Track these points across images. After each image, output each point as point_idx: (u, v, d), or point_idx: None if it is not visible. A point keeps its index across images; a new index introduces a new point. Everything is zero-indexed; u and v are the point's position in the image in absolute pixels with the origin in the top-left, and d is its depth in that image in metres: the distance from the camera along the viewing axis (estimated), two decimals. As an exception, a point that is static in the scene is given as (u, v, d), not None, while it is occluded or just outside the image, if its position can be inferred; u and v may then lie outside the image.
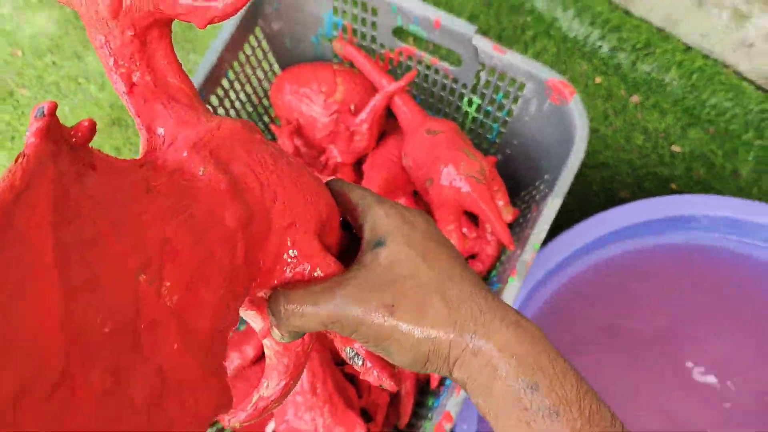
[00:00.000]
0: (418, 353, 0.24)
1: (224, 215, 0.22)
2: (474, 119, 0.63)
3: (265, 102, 0.66)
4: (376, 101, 0.58)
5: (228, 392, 0.21)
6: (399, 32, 0.58)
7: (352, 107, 0.61)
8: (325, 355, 0.50)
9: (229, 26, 0.55)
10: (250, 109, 0.65)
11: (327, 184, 0.29)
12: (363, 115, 0.59)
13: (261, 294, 0.26)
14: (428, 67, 0.60)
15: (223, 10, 0.21)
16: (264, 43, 0.61)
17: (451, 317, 0.24)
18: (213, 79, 0.55)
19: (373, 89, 0.61)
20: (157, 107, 0.23)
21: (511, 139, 0.61)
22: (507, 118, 0.59)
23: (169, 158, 0.22)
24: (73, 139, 0.19)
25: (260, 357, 0.57)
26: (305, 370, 0.47)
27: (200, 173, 0.22)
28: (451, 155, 0.53)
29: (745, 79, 0.77)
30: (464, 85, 0.59)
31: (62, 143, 0.19)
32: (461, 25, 0.53)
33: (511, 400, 0.23)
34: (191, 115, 0.23)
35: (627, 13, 0.80)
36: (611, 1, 0.80)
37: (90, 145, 0.20)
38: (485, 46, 0.53)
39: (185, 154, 0.22)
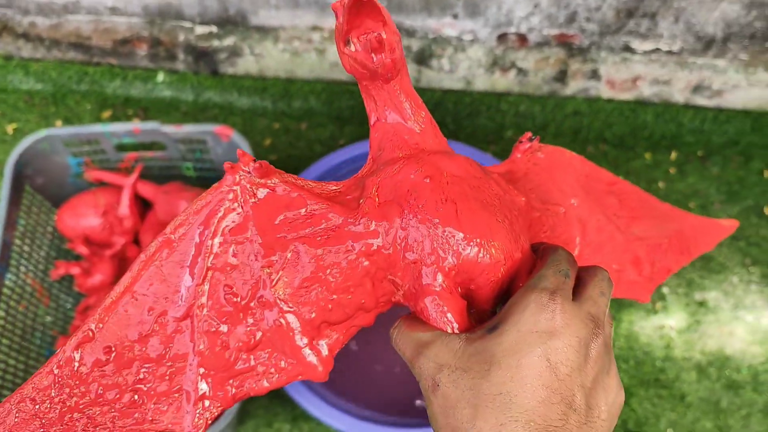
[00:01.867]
0: None
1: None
2: (198, 177, 0.95)
3: (56, 233, 0.92)
4: (125, 193, 0.88)
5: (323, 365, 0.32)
6: (120, 147, 0.89)
7: (114, 206, 0.90)
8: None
9: (5, 194, 0.82)
10: (48, 241, 0.90)
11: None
12: (122, 205, 0.88)
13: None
14: (150, 159, 0.92)
15: None
16: (37, 195, 0.89)
17: None
18: (11, 223, 0.81)
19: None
20: None
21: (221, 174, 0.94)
22: (212, 166, 0.92)
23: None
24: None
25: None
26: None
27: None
28: (180, 196, 0.84)
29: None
30: (177, 158, 0.91)
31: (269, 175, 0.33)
32: (150, 125, 0.85)
33: None
34: None
35: (278, 81, 1.19)
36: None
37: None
38: (169, 129, 0.85)
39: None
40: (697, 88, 1.02)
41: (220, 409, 0.32)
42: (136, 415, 0.31)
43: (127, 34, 1.04)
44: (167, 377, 0.32)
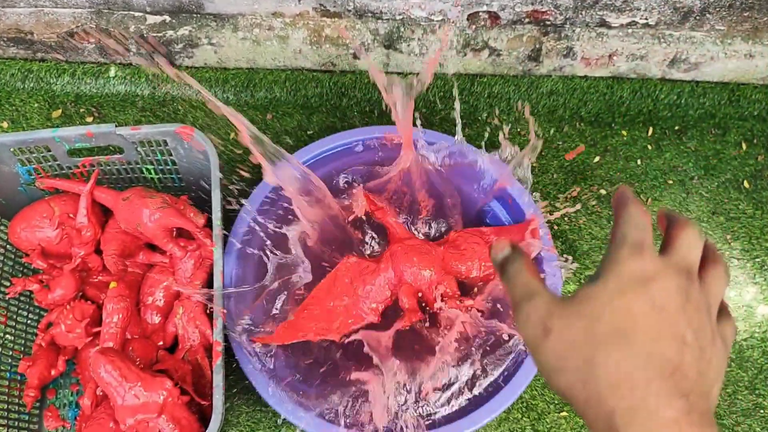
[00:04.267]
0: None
1: None
2: (160, 179, 0.89)
3: (9, 247, 0.86)
4: (82, 201, 0.82)
5: None
6: (73, 152, 0.83)
7: (71, 215, 0.84)
8: (123, 355, 0.71)
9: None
10: (0, 255, 0.84)
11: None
12: (79, 214, 0.82)
13: None
14: (107, 164, 0.86)
15: None
16: (-16, 209, 0.82)
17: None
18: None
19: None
20: None
21: (188, 177, 0.88)
22: (174, 167, 0.87)
23: None
24: None
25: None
26: (114, 370, 0.68)
27: None
28: (141, 203, 0.79)
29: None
30: (136, 162, 0.86)
31: None
32: (104, 127, 0.79)
33: None
34: None
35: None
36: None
37: None
38: (124, 131, 0.79)
39: None
40: (674, 62, 0.99)
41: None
42: None
43: (72, 27, 0.97)
44: None
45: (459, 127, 0.82)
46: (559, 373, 0.29)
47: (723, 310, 0.31)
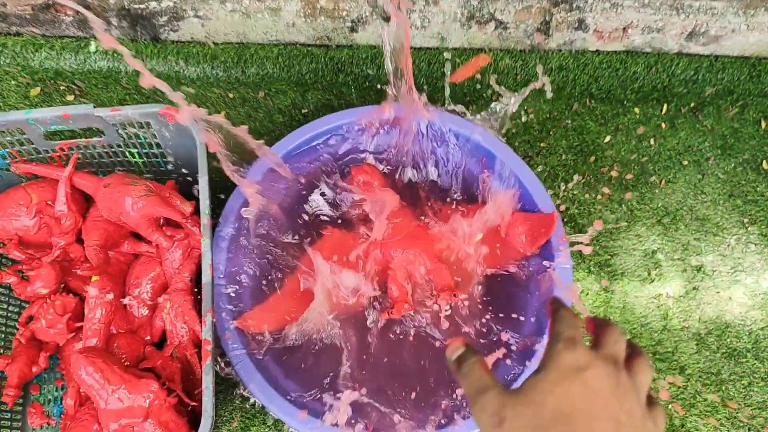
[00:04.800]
0: None
1: None
2: (145, 163, 0.84)
3: (-14, 237, 0.81)
4: (61, 188, 0.77)
5: None
6: (50, 135, 0.77)
7: (50, 203, 0.78)
8: (107, 355, 0.67)
9: None
10: (-24, 248, 0.79)
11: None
12: (58, 202, 0.77)
13: None
14: (87, 147, 0.80)
15: None
16: (-44, 196, 0.77)
17: None
18: None
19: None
20: None
21: (176, 159, 0.83)
22: (160, 150, 0.81)
23: None
24: None
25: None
26: (96, 372, 0.64)
27: None
28: (123, 190, 0.73)
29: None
30: (119, 145, 0.80)
31: None
32: (81, 108, 0.73)
33: None
34: None
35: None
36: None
37: None
38: (103, 112, 0.74)
39: None
40: (692, 35, 0.93)
41: None
42: None
43: (48, -2, 0.90)
44: None
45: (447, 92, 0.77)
46: None
47: (652, 398, 0.35)
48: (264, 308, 0.76)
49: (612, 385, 0.32)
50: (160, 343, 0.78)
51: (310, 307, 0.73)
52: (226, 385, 0.81)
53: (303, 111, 0.98)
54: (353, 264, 0.77)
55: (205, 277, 0.70)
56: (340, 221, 0.82)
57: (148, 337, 0.78)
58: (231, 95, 0.98)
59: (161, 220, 0.77)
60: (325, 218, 0.82)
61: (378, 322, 0.77)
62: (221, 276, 0.75)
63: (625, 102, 1.00)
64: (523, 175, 0.79)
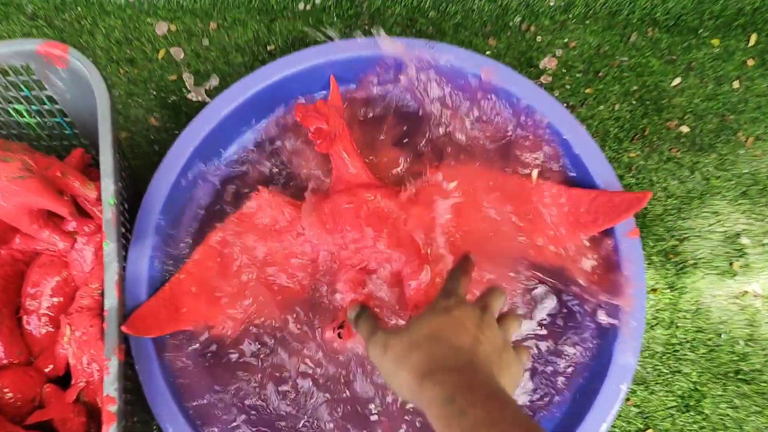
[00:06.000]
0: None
1: None
2: (39, 124, 0.60)
3: None
4: None
5: None
6: None
7: None
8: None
9: None
10: None
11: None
12: None
13: None
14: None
15: None
16: None
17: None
18: None
19: None
20: None
21: (82, 121, 0.59)
22: (57, 107, 0.57)
23: None
24: None
25: None
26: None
27: None
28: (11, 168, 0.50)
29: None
30: (-4, 100, 0.56)
31: None
32: None
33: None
34: None
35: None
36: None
37: None
38: (-48, 52, 0.50)
39: None
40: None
41: None
42: None
43: None
44: None
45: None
46: (394, 376, 0.38)
47: (521, 346, 0.43)
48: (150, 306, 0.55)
49: (476, 319, 0.40)
50: (68, 377, 0.57)
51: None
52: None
53: (268, 47, 0.73)
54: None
55: (109, 300, 0.47)
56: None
57: (51, 367, 0.56)
58: (172, 27, 0.74)
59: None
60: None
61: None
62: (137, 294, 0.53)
63: (700, 31, 0.75)
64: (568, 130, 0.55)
